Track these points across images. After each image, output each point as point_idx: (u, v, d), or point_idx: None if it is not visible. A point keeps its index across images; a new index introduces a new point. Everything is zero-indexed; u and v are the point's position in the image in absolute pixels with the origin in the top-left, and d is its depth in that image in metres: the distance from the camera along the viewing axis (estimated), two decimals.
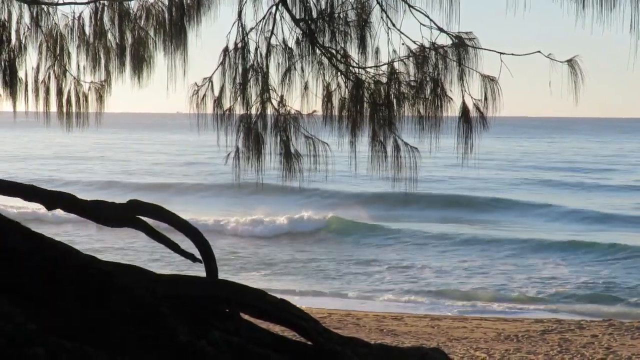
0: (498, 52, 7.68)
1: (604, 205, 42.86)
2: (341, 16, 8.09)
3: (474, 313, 19.93)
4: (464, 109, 7.92)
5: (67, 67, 9.85)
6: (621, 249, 28.88)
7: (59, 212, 7.47)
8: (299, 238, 32.35)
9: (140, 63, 9.48)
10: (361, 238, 31.96)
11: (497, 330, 15.97)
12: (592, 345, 14.54)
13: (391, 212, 39.26)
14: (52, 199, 7.06)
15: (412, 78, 7.99)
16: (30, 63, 9.81)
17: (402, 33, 7.90)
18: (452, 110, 7.98)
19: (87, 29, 9.59)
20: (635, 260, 27.24)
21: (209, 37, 9.29)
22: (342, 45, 8.12)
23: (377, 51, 8.06)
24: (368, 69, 8.11)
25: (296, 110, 8.27)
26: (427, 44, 7.88)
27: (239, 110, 8.33)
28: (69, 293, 5.66)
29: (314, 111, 8.21)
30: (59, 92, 9.92)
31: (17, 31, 9.67)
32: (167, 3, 9.06)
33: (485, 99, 7.81)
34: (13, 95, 9.79)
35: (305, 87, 8.21)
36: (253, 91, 8.32)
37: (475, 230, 34.16)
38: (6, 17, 9.61)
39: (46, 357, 4.88)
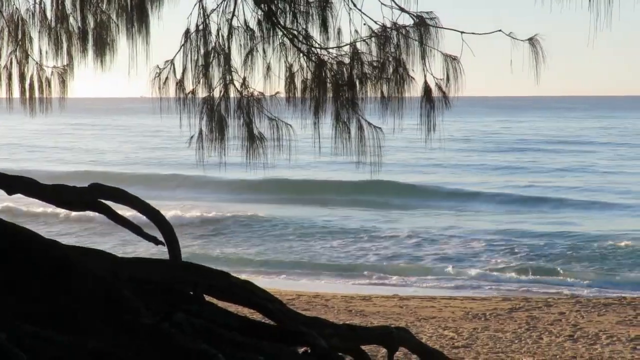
0: (459, 32, 7.68)
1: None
2: None
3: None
4: (426, 89, 7.92)
5: (29, 52, 9.78)
6: None
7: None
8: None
9: (102, 47, 9.43)
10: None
11: (465, 309, 16.05)
12: (559, 323, 14.63)
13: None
14: (13, 183, 7.02)
15: (374, 58, 7.99)
16: None
17: (364, 13, 7.90)
18: (415, 90, 7.99)
19: (49, 13, 9.51)
20: None
21: (172, 20, 9.25)
22: (304, 26, 8.09)
23: (339, 32, 8.05)
24: (330, 50, 8.10)
25: (259, 92, 8.25)
26: (388, 24, 7.87)
27: (201, 92, 8.30)
28: (31, 277, 5.64)
29: (277, 92, 8.19)
30: (22, 78, 9.85)
31: None
32: None
33: (448, 78, 7.81)
34: None
35: (268, 69, 8.19)
36: (215, 73, 8.30)
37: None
38: None
39: (8, 342, 4.86)
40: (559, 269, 23.58)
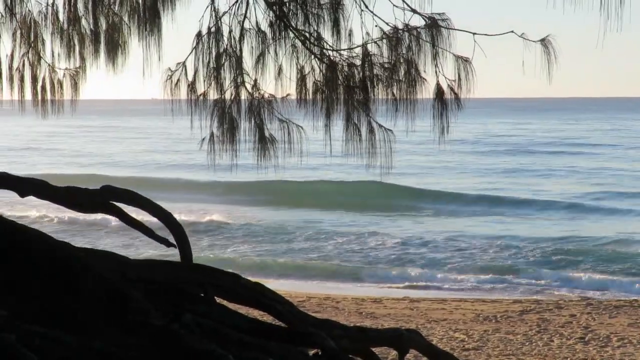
0: (471, 33, 7.67)
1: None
2: None
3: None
4: (439, 90, 7.91)
5: (41, 54, 9.79)
6: None
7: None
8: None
9: (114, 49, 9.44)
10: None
11: (476, 311, 16.03)
12: (570, 325, 14.62)
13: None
14: (25, 185, 7.03)
15: (385, 60, 7.98)
16: (4, 51, 9.76)
17: (375, 15, 7.89)
18: (427, 91, 7.98)
19: (61, 15, 9.53)
20: None
21: (184, 22, 9.25)
22: (315, 28, 8.09)
23: (350, 33, 8.04)
24: (342, 52, 8.09)
25: (270, 94, 8.25)
26: (400, 26, 7.86)
27: (213, 94, 8.31)
28: (40, 278, 5.64)
29: (288, 94, 8.19)
30: (34, 80, 9.86)
31: None
32: None
33: (459, 79, 7.80)
34: None
35: (279, 71, 8.19)
36: (227, 75, 8.30)
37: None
38: None
39: (18, 342, 4.87)
40: (569, 271, 23.55)
